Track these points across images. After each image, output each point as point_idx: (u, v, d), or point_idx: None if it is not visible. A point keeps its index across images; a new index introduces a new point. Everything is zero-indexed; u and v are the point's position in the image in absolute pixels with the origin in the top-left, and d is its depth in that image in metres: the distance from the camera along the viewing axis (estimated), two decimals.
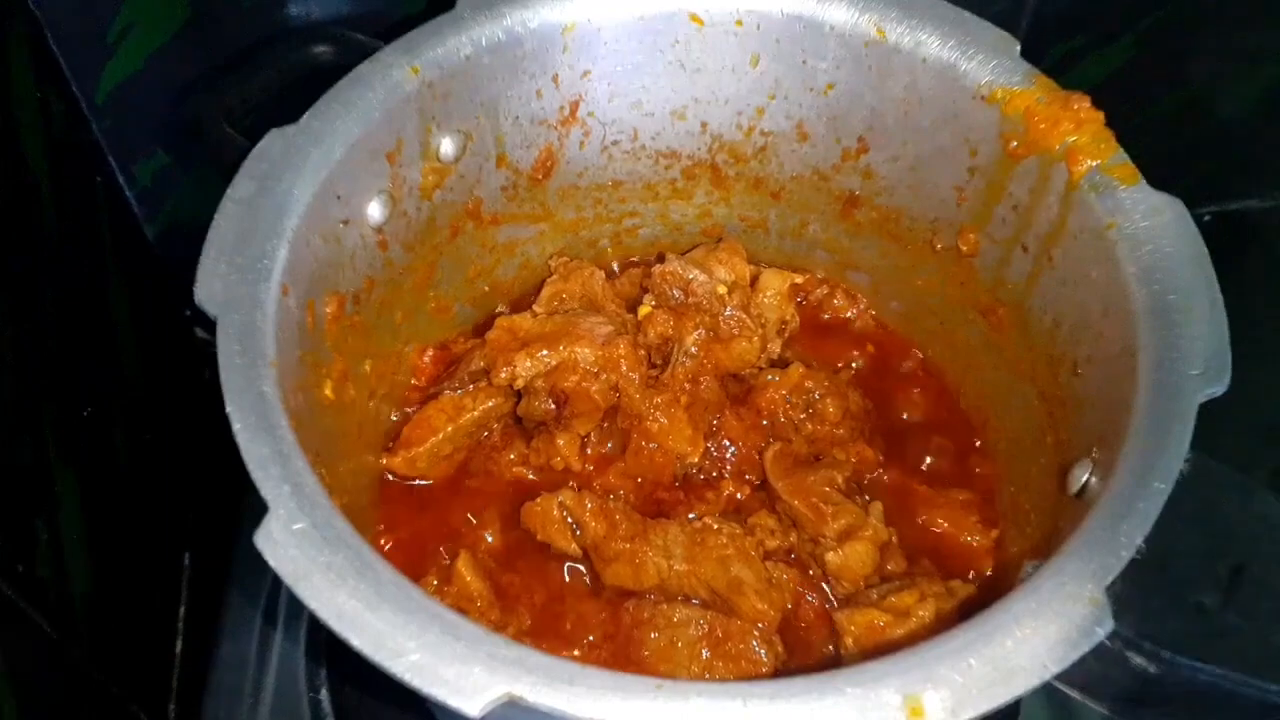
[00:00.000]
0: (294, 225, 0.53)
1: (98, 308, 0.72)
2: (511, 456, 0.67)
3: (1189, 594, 0.67)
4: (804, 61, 0.65)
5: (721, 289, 0.69)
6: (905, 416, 0.72)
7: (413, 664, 0.40)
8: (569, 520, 0.62)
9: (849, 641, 0.58)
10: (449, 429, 0.65)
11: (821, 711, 0.39)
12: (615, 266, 0.78)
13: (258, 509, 0.44)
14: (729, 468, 0.66)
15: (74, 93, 0.70)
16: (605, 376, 0.65)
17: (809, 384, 0.67)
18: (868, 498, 0.65)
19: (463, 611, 0.49)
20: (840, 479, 0.64)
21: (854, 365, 0.73)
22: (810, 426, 0.67)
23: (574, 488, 0.63)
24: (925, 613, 0.57)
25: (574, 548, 0.62)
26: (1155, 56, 0.75)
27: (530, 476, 0.67)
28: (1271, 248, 0.68)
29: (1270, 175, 0.69)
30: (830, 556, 0.60)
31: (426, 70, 0.60)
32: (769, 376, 0.68)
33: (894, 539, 0.63)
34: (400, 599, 0.42)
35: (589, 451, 0.66)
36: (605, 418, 0.66)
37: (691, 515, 0.64)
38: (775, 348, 0.70)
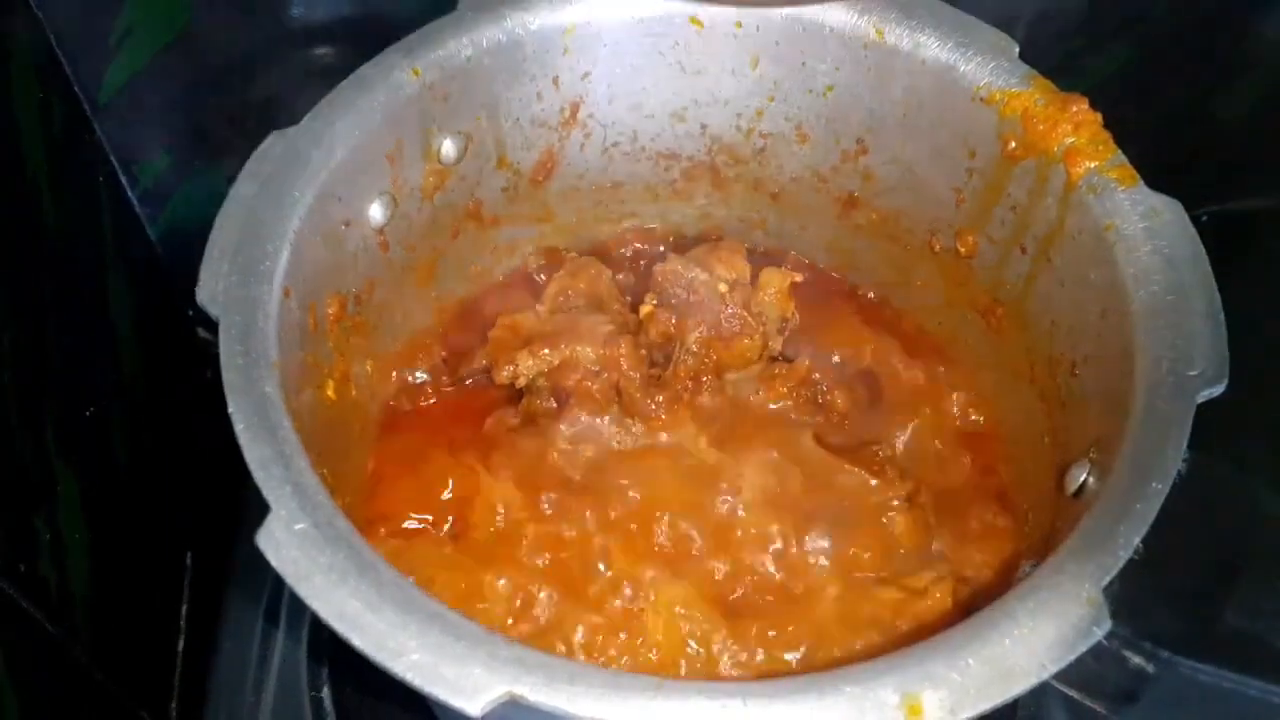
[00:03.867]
0: (295, 227, 0.54)
1: (99, 308, 0.72)
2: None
3: (1188, 594, 0.67)
4: (803, 63, 0.66)
5: (723, 287, 0.69)
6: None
7: (413, 664, 0.40)
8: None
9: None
10: None
11: (821, 711, 0.40)
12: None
13: (259, 509, 0.44)
14: None
15: (76, 94, 0.70)
16: (606, 375, 0.65)
17: (816, 376, 0.68)
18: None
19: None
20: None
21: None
22: (820, 419, 0.67)
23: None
24: (940, 593, 0.57)
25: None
26: (1155, 56, 0.75)
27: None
28: (1270, 248, 0.68)
29: (1270, 175, 0.69)
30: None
31: (427, 72, 0.60)
32: (777, 370, 0.68)
33: (904, 526, 0.63)
34: (401, 599, 0.42)
35: None
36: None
37: None
38: (776, 345, 0.71)
